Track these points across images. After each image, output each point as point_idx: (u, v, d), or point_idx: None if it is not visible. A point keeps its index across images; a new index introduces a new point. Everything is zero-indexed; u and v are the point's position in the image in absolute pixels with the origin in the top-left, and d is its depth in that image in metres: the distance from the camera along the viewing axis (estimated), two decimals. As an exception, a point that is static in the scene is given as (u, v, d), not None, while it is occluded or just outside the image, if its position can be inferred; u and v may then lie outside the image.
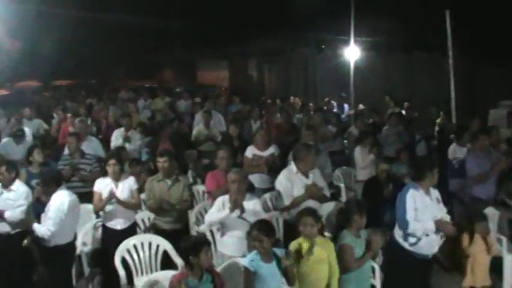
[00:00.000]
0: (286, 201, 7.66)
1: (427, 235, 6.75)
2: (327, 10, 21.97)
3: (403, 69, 24.44)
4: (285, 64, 29.07)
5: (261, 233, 5.91)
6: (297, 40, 27.44)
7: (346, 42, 18.50)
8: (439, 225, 6.77)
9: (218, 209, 7.09)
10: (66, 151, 10.70)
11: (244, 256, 6.44)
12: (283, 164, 9.54)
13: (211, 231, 7.64)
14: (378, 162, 9.82)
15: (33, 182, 8.97)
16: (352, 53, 18.11)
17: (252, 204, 7.15)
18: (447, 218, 7.00)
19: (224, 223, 7.09)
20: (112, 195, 7.93)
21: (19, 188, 8.13)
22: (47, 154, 10.35)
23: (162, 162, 8.31)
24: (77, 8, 26.05)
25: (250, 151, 10.34)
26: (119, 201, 7.98)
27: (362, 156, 10.91)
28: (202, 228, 8.03)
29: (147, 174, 9.88)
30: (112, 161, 8.18)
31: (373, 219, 6.90)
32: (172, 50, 33.13)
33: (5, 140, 12.31)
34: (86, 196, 8.70)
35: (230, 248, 7.10)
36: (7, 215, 7.89)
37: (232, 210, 6.92)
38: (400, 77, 24.12)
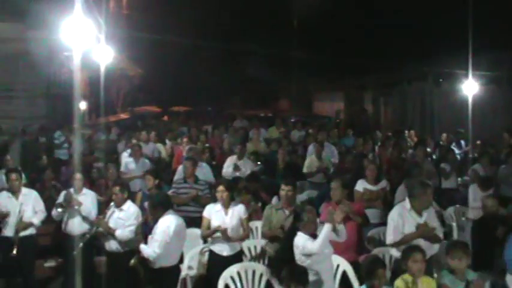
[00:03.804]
0: (396, 238, 7.42)
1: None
2: (444, 43, 21.57)
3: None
4: (401, 97, 28.61)
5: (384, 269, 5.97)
6: (414, 73, 27.01)
7: (465, 75, 18.03)
8: None
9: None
10: (177, 175, 11.00)
11: None
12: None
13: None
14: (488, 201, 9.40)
15: (146, 204, 9.25)
16: (470, 87, 17.61)
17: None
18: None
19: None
20: (221, 231, 8.03)
21: (130, 208, 8.50)
22: (159, 179, 10.56)
23: (286, 190, 8.25)
24: (196, 37, 26.87)
25: (361, 185, 10.25)
26: (227, 238, 8.07)
27: (474, 195, 10.52)
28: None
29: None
30: (221, 188, 8.31)
31: (483, 261, 6.64)
32: (289, 80, 33.41)
33: (126, 159, 13.00)
34: (196, 220, 8.98)
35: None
36: (117, 233, 8.26)
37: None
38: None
